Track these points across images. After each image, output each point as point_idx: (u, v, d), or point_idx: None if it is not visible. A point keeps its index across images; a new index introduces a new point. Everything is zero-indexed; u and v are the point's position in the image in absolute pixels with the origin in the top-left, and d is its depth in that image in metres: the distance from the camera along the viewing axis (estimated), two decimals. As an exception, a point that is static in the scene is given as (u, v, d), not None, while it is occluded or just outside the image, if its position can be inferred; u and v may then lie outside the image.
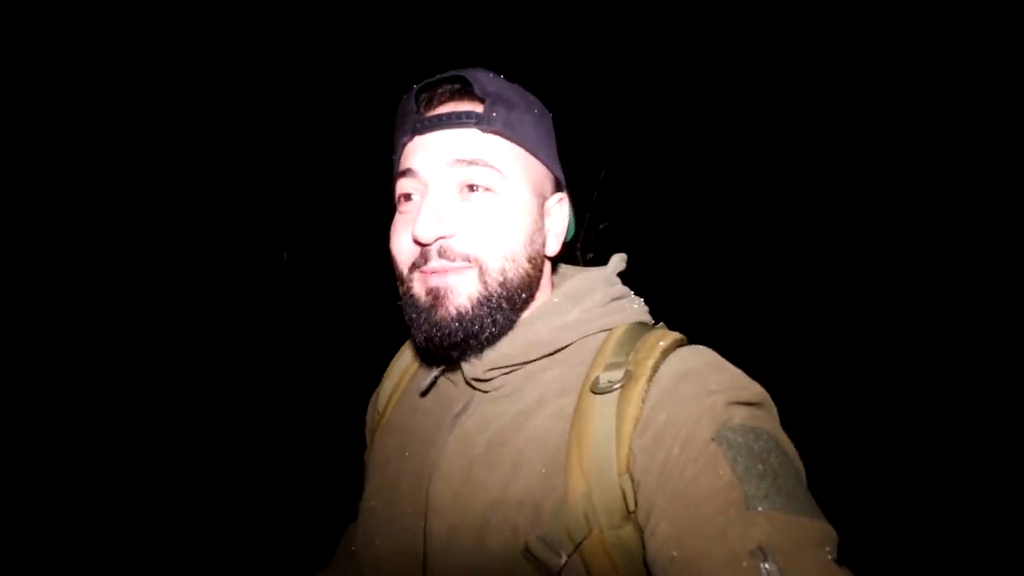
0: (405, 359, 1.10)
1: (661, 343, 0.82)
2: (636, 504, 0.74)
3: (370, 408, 1.13)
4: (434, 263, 0.84)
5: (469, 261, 0.84)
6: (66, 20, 3.76)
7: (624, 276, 1.00)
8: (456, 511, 0.83)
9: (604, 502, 0.75)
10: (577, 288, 0.92)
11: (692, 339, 0.89)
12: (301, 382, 4.65)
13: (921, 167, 4.87)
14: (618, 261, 0.99)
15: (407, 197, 0.88)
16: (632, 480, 0.75)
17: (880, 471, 4.12)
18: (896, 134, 4.88)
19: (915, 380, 4.71)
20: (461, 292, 0.84)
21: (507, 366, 0.88)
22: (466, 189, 0.85)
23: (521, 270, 0.86)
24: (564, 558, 0.75)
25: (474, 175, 0.84)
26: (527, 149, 0.88)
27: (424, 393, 0.97)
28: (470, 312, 0.84)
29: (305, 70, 4.63)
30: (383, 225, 0.91)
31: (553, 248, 0.93)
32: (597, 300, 0.91)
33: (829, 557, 0.66)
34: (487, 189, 0.85)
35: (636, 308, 0.94)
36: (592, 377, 0.82)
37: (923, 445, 4.31)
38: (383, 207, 0.94)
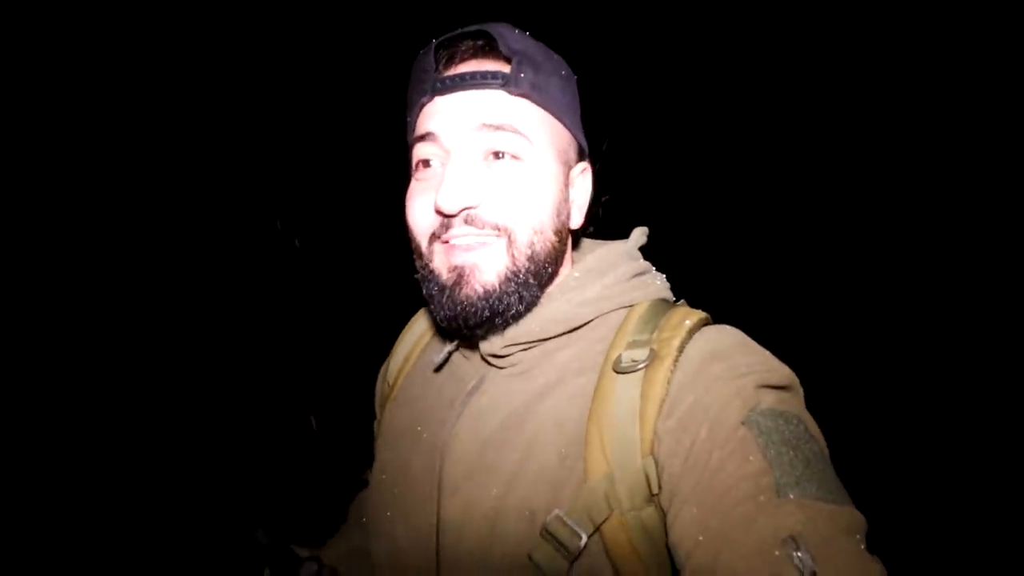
0: (417, 330, 1.08)
1: (687, 322, 0.79)
2: (660, 487, 0.72)
3: (380, 379, 1.11)
4: (458, 230, 0.79)
5: (498, 230, 0.79)
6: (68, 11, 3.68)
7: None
8: (470, 490, 0.81)
9: (626, 484, 0.73)
10: (599, 262, 0.89)
11: (713, 317, 0.85)
12: (311, 360, 4.67)
13: (950, 139, 4.76)
14: (639, 235, 0.95)
15: (426, 163, 0.82)
16: (656, 463, 0.73)
17: (898, 455, 4.09)
18: (925, 101, 4.76)
19: (937, 367, 4.62)
20: (487, 268, 0.80)
21: (525, 342, 0.85)
22: (491, 156, 0.80)
23: (548, 243, 0.82)
24: (584, 539, 0.73)
25: (501, 141, 0.79)
26: (554, 114, 0.83)
27: (438, 369, 0.95)
28: (497, 289, 0.80)
29: (316, 47, 4.54)
30: (397, 201, 0.86)
31: (577, 220, 0.89)
32: (620, 275, 0.88)
33: (861, 546, 0.65)
34: (514, 157, 0.80)
35: (659, 284, 0.91)
36: (614, 356, 0.79)
37: (942, 433, 4.26)
38: (397, 184, 0.89)
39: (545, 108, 0.82)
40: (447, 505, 0.83)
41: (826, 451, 0.74)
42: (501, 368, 0.87)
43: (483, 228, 0.79)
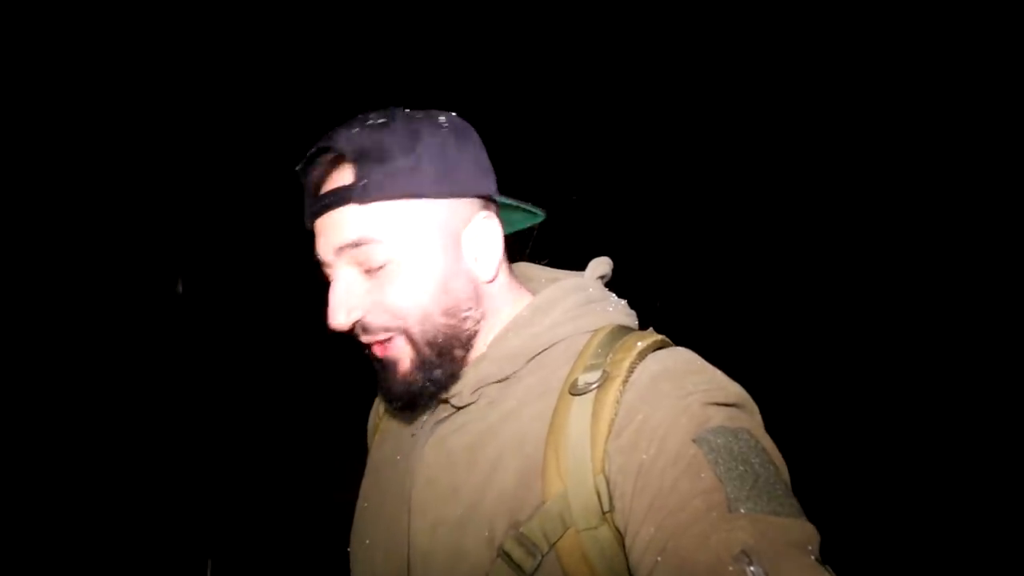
0: None
1: (639, 344, 0.83)
2: (612, 506, 0.75)
3: (372, 412, 1.15)
4: (360, 335, 0.86)
5: (390, 331, 0.84)
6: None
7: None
8: (435, 513, 0.84)
9: (579, 503, 0.75)
10: (547, 300, 0.91)
11: (676, 343, 0.87)
12: (194, 420, 4.37)
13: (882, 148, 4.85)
14: (595, 266, 0.98)
15: (328, 281, 0.88)
16: (607, 481, 0.75)
17: (864, 471, 4.14)
18: (844, 113, 4.86)
19: (897, 380, 4.70)
20: (400, 360, 0.86)
21: (491, 383, 0.88)
22: (364, 268, 0.84)
23: (444, 325, 0.85)
24: (539, 559, 0.75)
25: (365, 255, 0.82)
26: (416, 196, 0.84)
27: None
28: (411, 376, 0.85)
29: (202, 84, 4.40)
30: (292, 247, 0.88)
31: (488, 272, 0.88)
32: (568, 305, 0.91)
33: (812, 558, 0.66)
34: (382, 263, 0.82)
35: (618, 310, 0.94)
36: (572, 379, 0.82)
37: (907, 445, 4.33)
38: (292, 227, 0.92)
39: (403, 197, 0.83)
40: (416, 529, 0.86)
41: (781, 465, 0.76)
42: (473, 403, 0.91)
43: (377, 333, 0.84)
